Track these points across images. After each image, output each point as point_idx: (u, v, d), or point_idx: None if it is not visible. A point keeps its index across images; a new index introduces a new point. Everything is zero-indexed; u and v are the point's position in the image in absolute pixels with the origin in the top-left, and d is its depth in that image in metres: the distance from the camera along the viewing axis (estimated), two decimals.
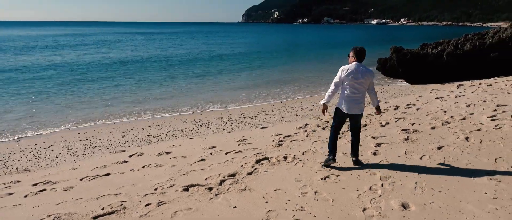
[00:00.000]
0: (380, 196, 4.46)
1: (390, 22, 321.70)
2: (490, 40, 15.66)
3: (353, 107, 5.22)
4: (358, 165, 5.53)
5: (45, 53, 32.67)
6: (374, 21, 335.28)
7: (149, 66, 24.06)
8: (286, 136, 7.35)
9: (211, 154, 6.44)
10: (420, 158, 5.78)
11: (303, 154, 6.18)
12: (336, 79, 5.18)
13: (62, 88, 15.39)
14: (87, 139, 7.94)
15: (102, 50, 36.99)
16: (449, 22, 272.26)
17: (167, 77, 19.23)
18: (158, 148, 7.02)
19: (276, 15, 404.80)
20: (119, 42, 53.20)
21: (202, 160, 6.12)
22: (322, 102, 5.24)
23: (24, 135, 8.59)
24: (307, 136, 7.36)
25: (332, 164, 5.49)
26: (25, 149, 7.37)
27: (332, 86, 5.19)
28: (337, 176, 5.14)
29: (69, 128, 9.20)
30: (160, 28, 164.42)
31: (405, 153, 6.02)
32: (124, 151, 6.92)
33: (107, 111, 11.35)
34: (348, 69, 5.15)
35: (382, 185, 4.76)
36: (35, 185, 5.33)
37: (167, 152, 6.65)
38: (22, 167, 6.20)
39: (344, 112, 5.24)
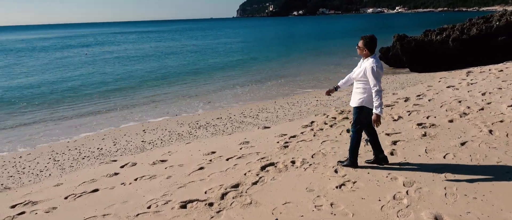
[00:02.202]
0: (407, 206, 3.87)
1: (385, 11, 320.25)
2: (497, 23, 15.03)
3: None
4: (386, 162, 4.97)
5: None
6: (370, 10, 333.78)
7: (141, 66, 23.40)
8: (291, 136, 6.74)
9: (210, 160, 5.84)
10: (444, 157, 5.19)
11: (312, 156, 5.59)
12: (378, 80, 4.47)
13: (53, 90, 14.74)
14: (76, 148, 7.33)
15: (93, 51, 36.26)
16: (445, 8, 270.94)
17: (160, 77, 18.57)
18: (153, 155, 6.42)
19: (270, 9, 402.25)
20: (111, 42, 52.36)
21: (201, 168, 5.52)
22: (381, 110, 4.48)
23: (8, 148, 7.96)
24: (314, 135, 6.76)
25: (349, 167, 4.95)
26: (8, 162, 6.76)
27: (379, 88, 4.47)
28: (354, 182, 4.55)
29: (57, 137, 8.57)
30: (154, 26, 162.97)
31: (426, 152, 5.43)
32: (115, 160, 6.32)
33: (97, 117, 10.74)
34: (380, 66, 4.54)
35: (407, 192, 4.17)
36: (13, 206, 4.72)
37: (162, 161, 6.05)
38: (1, 184, 5.60)
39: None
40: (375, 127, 4.69)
